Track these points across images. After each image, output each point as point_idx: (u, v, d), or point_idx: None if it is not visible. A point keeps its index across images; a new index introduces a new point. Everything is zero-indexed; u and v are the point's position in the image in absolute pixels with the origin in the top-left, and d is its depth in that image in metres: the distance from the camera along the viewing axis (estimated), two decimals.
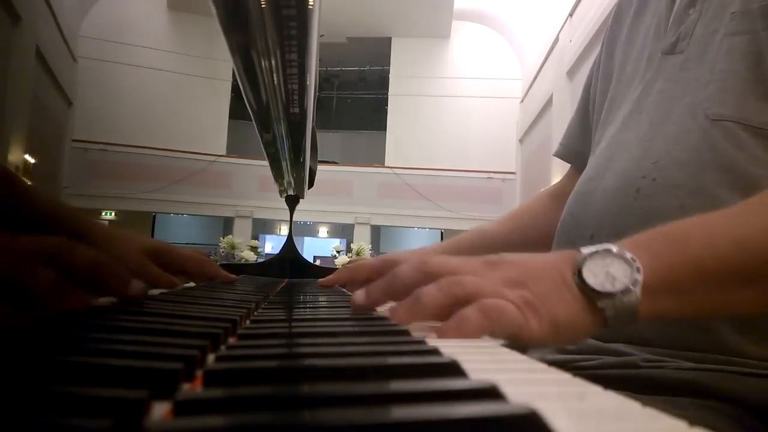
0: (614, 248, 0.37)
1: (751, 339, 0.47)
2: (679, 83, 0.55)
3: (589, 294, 0.36)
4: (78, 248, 0.39)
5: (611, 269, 0.36)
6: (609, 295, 0.36)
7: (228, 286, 0.79)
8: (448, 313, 0.35)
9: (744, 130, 0.50)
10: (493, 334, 0.34)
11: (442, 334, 0.33)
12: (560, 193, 0.83)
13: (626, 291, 0.36)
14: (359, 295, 0.41)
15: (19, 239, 0.37)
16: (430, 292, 0.36)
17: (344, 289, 0.96)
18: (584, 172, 0.66)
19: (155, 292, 0.58)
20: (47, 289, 0.34)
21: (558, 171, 6.67)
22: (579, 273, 0.37)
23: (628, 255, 0.37)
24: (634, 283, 0.36)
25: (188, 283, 0.77)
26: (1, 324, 0.31)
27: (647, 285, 0.36)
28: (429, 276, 0.38)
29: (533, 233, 0.84)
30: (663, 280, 0.37)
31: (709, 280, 0.38)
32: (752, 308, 0.40)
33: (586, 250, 0.37)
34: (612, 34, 0.71)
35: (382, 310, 0.41)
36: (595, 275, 0.36)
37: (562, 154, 0.81)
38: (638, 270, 0.36)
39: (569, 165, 0.83)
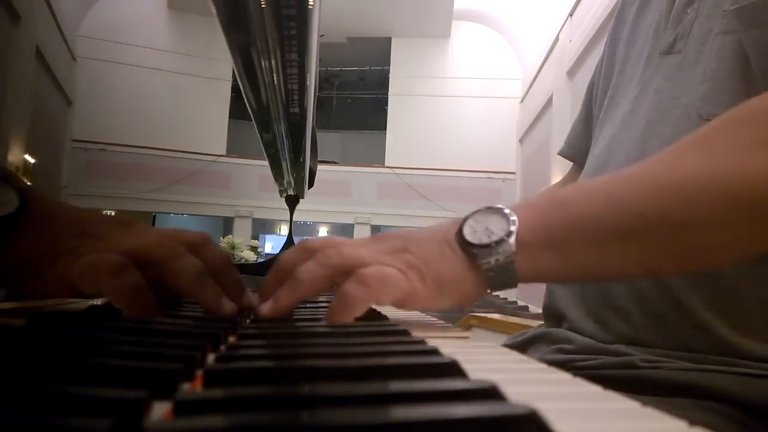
0: (495, 206, 0.38)
1: (751, 339, 0.47)
2: (675, 83, 0.55)
3: (467, 249, 0.37)
4: (214, 243, 0.40)
5: (490, 224, 0.37)
6: (485, 247, 0.36)
7: None
8: (330, 287, 0.35)
9: None
10: (380, 303, 0.35)
11: (330, 318, 0.34)
12: None
13: (500, 241, 0.36)
14: (254, 298, 0.40)
15: (158, 228, 0.40)
16: (307, 267, 0.36)
17: None
18: (583, 172, 0.66)
19: None
20: (190, 274, 0.36)
21: (558, 171, 6.67)
22: (460, 230, 0.37)
23: (506, 210, 0.38)
24: (509, 234, 0.36)
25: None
26: (143, 308, 0.33)
27: (524, 240, 0.37)
28: (309, 252, 0.37)
29: None
30: (540, 236, 0.38)
31: (586, 236, 0.38)
32: (637, 269, 0.40)
33: (468, 214, 0.38)
34: (615, 32, 0.71)
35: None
36: (474, 231, 0.37)
37: (567, 153, 0.81)
38: (513, 222, 0.37)
39: (570, 165, 0.83)
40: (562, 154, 0.81)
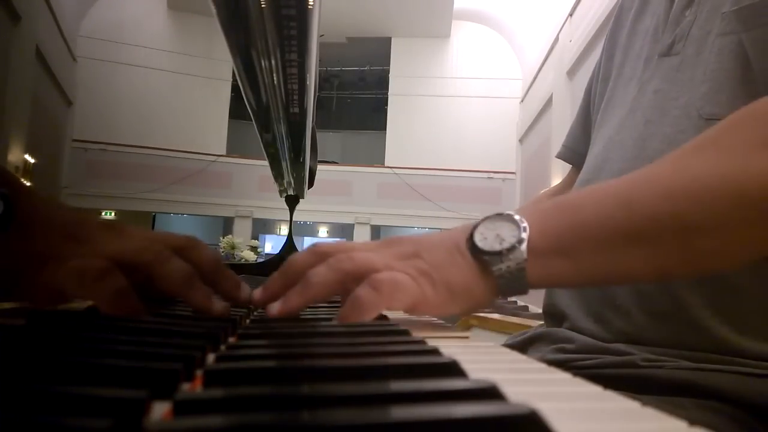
0: (505, 212, 0.38)
1: (751, 338, 0.47)
2: (674, 84, 0.56)
3: (479, 256, 0.37)
4: (203, 245, 0.41)
5: (500, 231, 0.37)
6: (496, 254, 0.37)
7: None
8: (345, 291, 0.35)
9: None
10: (391, 308, 0.34)
11: (342, 320, 0.34)
12: (560, 194, 0.83)
13: (512, 248, 0.36)
14: (257, 291, 0.40)
15: (146, 230, 0.40)
16: (318, 271, 0.36)
17: None
18: (581, 173, 0.66)
19: None
20: (178, 277, 0.36)
21: (558, 171, 6.67)
22: (470, 237, 0.38)
23: (516, 216, 0.38)
24: (520, 241, 0.37)
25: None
26: (128, 311, 0.33)
27: (535, 246, 0.37)
28: (321, 257, 0.37)
29: None
30: (550, 241, 0.38)
31: (596, 240, 0.38)
32: (647, 273, 0.40)
33: (479, 221, 0.38)
34: (612, 36, 0.71)
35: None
36: (485, 237, 0.37)
37: (565, 156, 0.81)
38: (524, 229, 0.37)
39: (569, 167, 0.83)
40: (560, 157, 0.82)
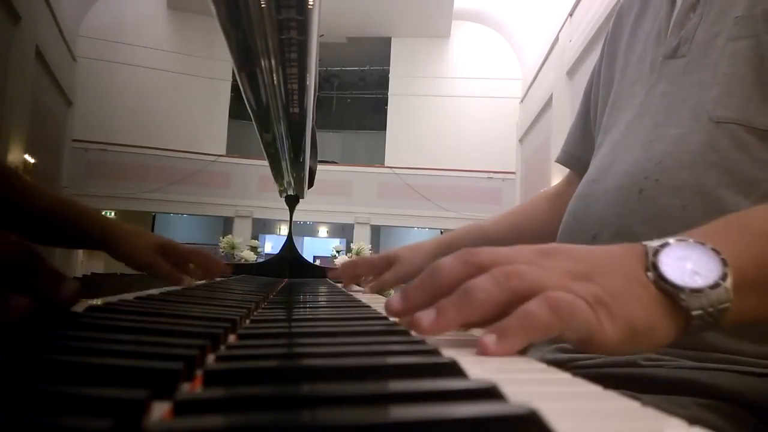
0: (689, 239, 0.33)
1: (747, 342, 0.47)
2: (682, 86, 0.56)
3: (670, 290, 0.31)
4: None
5: (691, 263, 0.32)
6: (695, 292, 0.31)
7: (227, 285, 0.79)
8: (502, 313, 0.29)
9: (748, 132, 0.50)
10: (562, 337, 0.29)
11: (502, 334, 0.28)
12: (558, 195, 0.84)
13: (715, 286, 0.31)
14: (394, 300, 0.34)
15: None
16: (483, 285, 0.30)
17: (343, 288, 0.96)
18: (586, 175, 0.66)
19: (155, 291, 0.58)
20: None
21: (558, 171, 6.66)
22: (655, 268, 0.31)
23: (709, 246, 0.32)
24: (723, 276, 0.31)
25: (196, 282, 0.77)
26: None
27: (734, 283, 0.32)
28: (479, 268, 0.32)
29: (528, 233, 0.85)
30: (747, 278, 0.33)
31: None
32: None
33: (654, 243, 0.33)
34: (613, 41, 0.72)
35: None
36: (675, 269, 0.31)
37: (564, 160, 0.81)
38: (725, 262, 0.32)
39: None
40: (560, 161, 0.82)
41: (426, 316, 0.30)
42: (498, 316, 0.29)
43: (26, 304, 0.30)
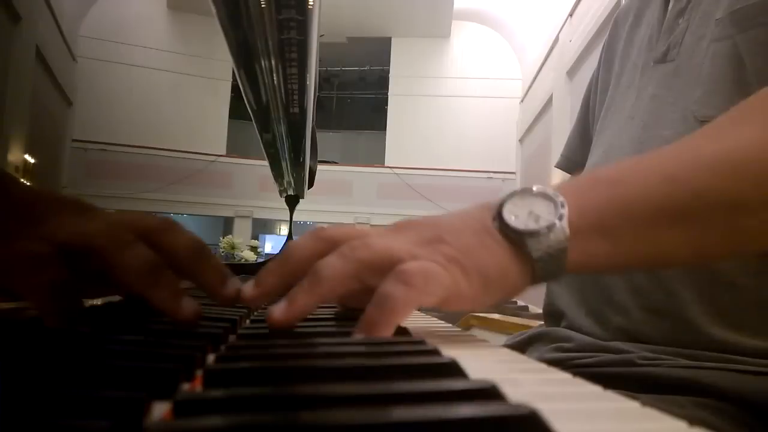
0: (535, 187, 0.34)
1: (746, 335, 0.47)
2: (670, 89, 0.57)
3: (513, 236, 0.32)
4: (179, 228, 0.34)
5: (534, 208, 0.33)
6: (534, 234, 0.32)
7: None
8: (360, 289, 0.30)
9: None
10: (423, 304, 0.29)
11: (370, 328, 0.28)
12: None
13: (551, 226, 0.32)
14: (248, 287, 0.33)
15: (112, 212, 0.33)
16: (330, 262, 0.30)
17: None
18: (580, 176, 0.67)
19: None
20: (138, 268, 0.30)
21: (558, 171, 6.66)
22: (500, 216, 0.33)
23: (550, 191, 0.34)
24: (560, 217, 0.33)
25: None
26: (65, 306, 0.29)
27: (573, 225, 0.33)
28: (330, 243, 0.32)
29: None
30: (589, 219, 0.34)
31: (640, 219, 0.35)
32: (687, 254, 0.37)
33: (504, 197, 0.34)
34: (609, 48, 0.73)
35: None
36: (517, 216, 0.33)
37: (564, 165, 0.82)
38: (562, 205, 0.33)
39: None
40: (559, 166, 0.83)
41: (276, 308, 0.30)
42: (355, 292, 0.30)
43: (198, 311, 0.30)
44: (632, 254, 0.36)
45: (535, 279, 0.33)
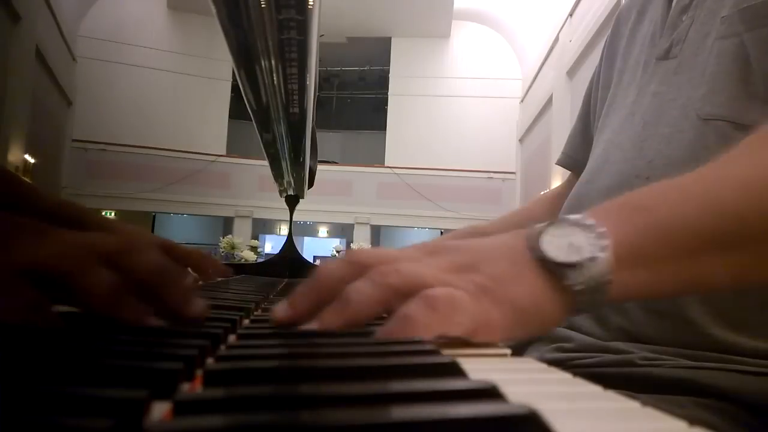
0: (572, 217, 0.33)
1: (746, 336, 0.47)
2: (672, 86, 0.57)
3: (552, 268, 0.31)
4: (143, 248, 0.33)
5: (573, 239, 0.32)
6: (575, 266, 0.31)
7: (227, 285, 0.80)
8: (385, 311, 0.30)
9: (735, 128, 0.51)
10: (447, 333, 0.28)
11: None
12: (559, 196, 0.84)
13: (593, 259, 0.31)
14: (281, 308, 0.33)
15: (76, 232, 0.33)
16: (359, 287, 0.30)
17: None
18: (582, 175, 0.67)
19: None
20: (100, 293, 0.30)
21: (558, 171, 6.67)
22: (538, 247, 0.32)
23: (590, 221, 0.33)
24: (602, 248, 0.31)
25: (195, 283, 0.77)
26: (42, 325, 0.29)
27: (615, 256, 0.32)
28: (361, 268, 0.32)
29: None
30: (631, 250, 0.33)
31: (680, 247, 0.34)
32: (727, 281, 0.36)
33: (540, 225, 0.33)
34: (612, 44, 0.73)
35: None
36: (556, 247, 0.32)
37: (564, 163, 0.82)
38: (604, 236, 0.32)
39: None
40: (560, 163, 0.83)
41: (308, 329, 0.31)
42: (385, 313, 0.30)
43: (141, 311, 0.30)
44: (673, 282, 0.35)
45: (573, 311, 0.32)
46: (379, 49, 11.91)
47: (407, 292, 0.30)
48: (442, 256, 0.32)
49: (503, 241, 0.34)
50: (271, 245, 11.61)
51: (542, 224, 0.33)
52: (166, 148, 10.41)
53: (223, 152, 11.03)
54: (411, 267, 0.31)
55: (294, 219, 1.60)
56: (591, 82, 0.78)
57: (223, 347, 0.27)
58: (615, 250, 0.32)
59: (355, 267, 0.32)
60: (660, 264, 0.34)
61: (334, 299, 0.31)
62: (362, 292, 0.30)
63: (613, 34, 0.74)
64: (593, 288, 0.31)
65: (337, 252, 5.75)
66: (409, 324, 0.28)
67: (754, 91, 0.51)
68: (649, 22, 0.65)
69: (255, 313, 0.45)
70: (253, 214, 10.78)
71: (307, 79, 0.91)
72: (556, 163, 0.85)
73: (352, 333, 0.31)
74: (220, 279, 0.89)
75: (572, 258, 0.31)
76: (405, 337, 0.28)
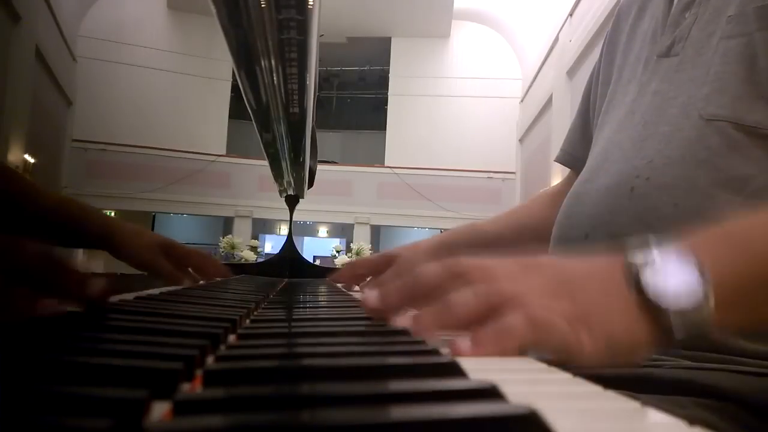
0: (672, 247, 0.32)
1: (748, 340, 0.47)
2: (673, 84, 0.56)
3: (652, 309, 0.31)
4: (21, 243, 0.33)
5: (675, 279, 0.31)
6: (678, 312, 0.30)
7: (227, 285, 0.80)
8: (478, 324, 0.30)
9: (737, 129, 0.50)
10: (538, 351, 0.29)
11: (477, 344, 0.28)
12: (558, 194, 0.84)
13: (699, 308, 0.30)
14: (372, 296, 0.34)
15: None
16: (463, 299, 0.31)
17: (343, 288, 0.96)
18: (581, 173, 0.67)
19: (156, 291, 0.58)
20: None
21: (558, 171, 6.67)
22: (638, 283, 0.31)
23: (691, 258, 0.31)
24: (706, 296, 0.31)
25: (196, 282, 0.78)
26: None
27: (716, 296, 0.31)
28: (459, 278, 0.32)
29: (527, 232, 0.85)
30: (732, 292, 0.32)
31: None
32: None
33: (639, 257, 0.32)
34: (611, 41, 0.73)
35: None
36: (660, 288, 0.31)
37: (563, 160, 0.82)
38: (707, 280, 0.31)
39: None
40: (559, 160, 0.82)
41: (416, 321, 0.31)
42: (474, 327, 0.30)
43: (32, 302, 0.31)
44: (763, 321, 0.35)
45: (667, 347, 0.32)
46: (379, 49, 11.91)
47: (504, 312, 0.30)
48: (539, 276, 0.32)
49: (600, 267, 0.33)
50: (271, 245, 11.60)
51: (639, 253, 0.32)
52: (166, 148, 10.40)
53: (223, 152, 11.03)
54: (511, 286, 0.31)
55: (294, 219, 1.60)
56: (590, 78, 0.78)
57: (223, 347, 0.27)
58: (715, 291, 0.31)
59: (452, 275, 0.33)
60: (757, 305, 0.34)
61: (431, 302, 0.32)
62: (464, 303, 0.31)
63: (614, 30, 0.73)
64: (692, 332, 0.31)
65: (337, 252, 5.75)
66: (507, 333, 0.29)
67: (759, 92, 0.50)
68: (650, 19, 0.64)
69: (255, 313, 0.45)
70: (253, 214, 10.77)
71: (307, 79, 0.91)
72: (555, 160, 0.85)
73: (351, 333, 0.31)
74: (220, 279, 0.89)
75: (678, 304, 0.30)
76: (422, 337, 0.29)
